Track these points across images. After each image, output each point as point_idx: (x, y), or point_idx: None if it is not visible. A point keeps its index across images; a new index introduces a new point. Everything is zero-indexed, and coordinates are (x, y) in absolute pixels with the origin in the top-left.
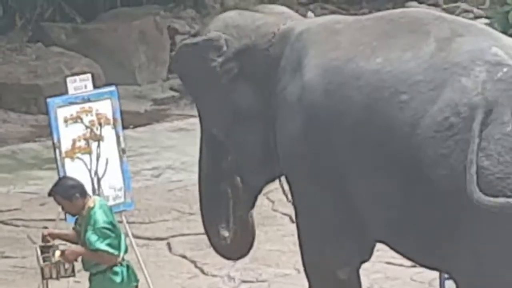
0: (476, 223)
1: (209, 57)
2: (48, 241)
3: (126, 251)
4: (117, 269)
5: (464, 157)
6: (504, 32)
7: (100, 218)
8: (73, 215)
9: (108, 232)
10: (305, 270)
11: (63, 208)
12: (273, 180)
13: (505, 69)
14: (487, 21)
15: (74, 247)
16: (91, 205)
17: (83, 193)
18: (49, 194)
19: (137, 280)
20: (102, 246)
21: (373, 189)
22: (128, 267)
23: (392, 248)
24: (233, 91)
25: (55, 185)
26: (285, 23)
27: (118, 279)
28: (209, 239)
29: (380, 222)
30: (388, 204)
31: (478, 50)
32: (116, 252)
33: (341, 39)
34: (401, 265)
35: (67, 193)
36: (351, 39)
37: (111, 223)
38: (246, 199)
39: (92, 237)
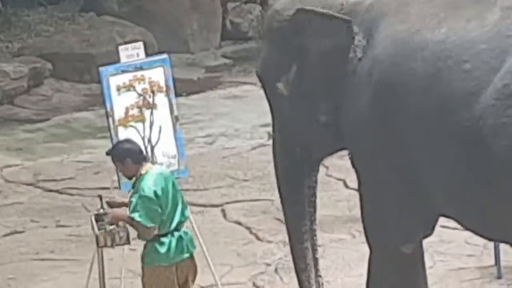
0: None
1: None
2: (103, 209)
3: (180, 221)
4: (164, 239)
5: None
6: None
7: (146, 186)
8: (129, 178)
9: (148, 202)
10: (368, 242)
11: (118, 170)
12: (336, 151)
13: None
14: None
15: (118, 211)
16: (143, 172)
17: (136, 159)
18: (107, 153)
19: (189, 251)
20: (137, 216)
21: (437, 161)
22: (180, 237)
23: (457, 221)
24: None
25: (113, 146)
26: None
27: (163, 249)
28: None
29: (444, 195)
30: (451, 175)
31: None
32: (149, 224)
33: (410, 10)
34: (455, 228)
35: (120, 156)
36: (419, 11)
37: (155, 193)
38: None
39: (132, 204)
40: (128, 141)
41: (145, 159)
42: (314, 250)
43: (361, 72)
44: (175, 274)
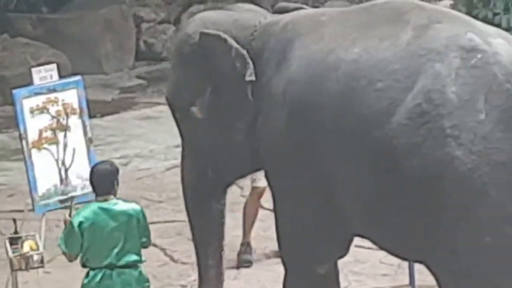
0: (450, 214)
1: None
2: (17, 232)
3: (111, 263)
4: (91, 272)
5: (436, 146)
6: (468, 12)
7: (77, 215)
8: None
9: (70, 230)
10: (283, 262)
11: None
12: (249, 174)
13: (479, 55)
14: (451, 2)
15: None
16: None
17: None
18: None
19: None
20: (60, 239)
21: (351, 181)
22: (110, 276)
23: (372, 241)
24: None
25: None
26: (266, 17)
27: (86, 281)
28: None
29: (359, 215)
30: (365, 195)
31: (454, 36)
32: (65, 250)
33: (324, 30)
34: (370, 248)
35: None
36: (333, 31)
37: (80, 224)
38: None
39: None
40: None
41: (108, 193)
42: (219, 269)
43: (276, 92)
44: None
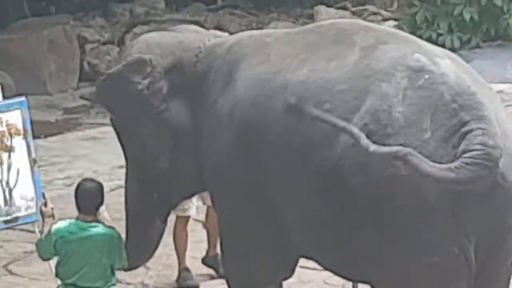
0: (396, 233)
1: (135, 81)
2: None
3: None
4: (60, 287)
5: (382, 166)
6: (413, 33)
7: (59, 224)
8: None
9: (48, 234)
10: (228, 284)
11: None
12: (195, 194)
13: (426, 76)
14: (395, 23)
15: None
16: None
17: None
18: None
19: None
20: (39, 240)
21: (297, 202)
22: None
23: (316, 261)
24: (166, 112)
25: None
26: (210, 38)
27: None
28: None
29: (304, 236)
30: (310, 215)
31: (401, 56)
32: (38, 250)
33: (271, 52)
34: (314, 268)
35: None
36: (280, 52)
37: (56, 231)
38: (164, 213)
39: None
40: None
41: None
42: None
43: (222, 114)
44: None
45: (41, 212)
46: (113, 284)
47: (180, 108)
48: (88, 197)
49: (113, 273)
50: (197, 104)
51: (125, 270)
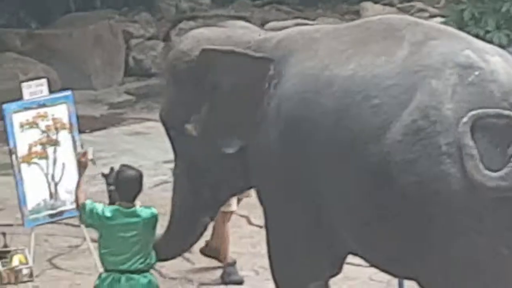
0: (443, 231)
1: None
2: (7, 246)
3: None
4: (103, 274)
5: (431, 163)
6: (460, 30)
7: (107, 206)
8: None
9: (96, 207)
10: (274, 280)
11: None
12: (245, 191)
13: (476, 73)
14: (442, 19)
15: (82, 192)
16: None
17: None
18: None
19: None
20: (86, 204)
21: (344, 198)
22: (118, 281)
23: (365, 260)
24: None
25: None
26: (259, 33)
27: (96, 281)
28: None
29: (350, 232)
30: (357, 211)
31: (450, 52)
32: (83, 218)
33: (319, 47)
34: (359, 265)
35: None
36: (328, 48)
37: (102, 211)
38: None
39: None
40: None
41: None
42: None
43: (269, 109)
44: None
45: (79, 162)
46: (154, 262)
47: (227, 106)
48: (130, 186)
49: (153, 251)
50: (245, 99)
51: (159, 260)
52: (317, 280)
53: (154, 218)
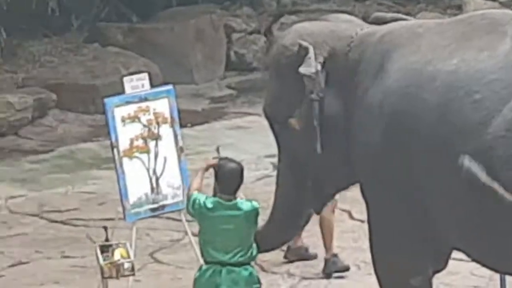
0: None
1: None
2: (108, 240)
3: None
4: (204, 266)
5: None
6: None
7: (209, 196)
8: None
9: (201, 197)
10: (376, 273)
11: None
12: (349, 186)
13: None
14: None
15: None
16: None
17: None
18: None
19: None
20: (193, 195)
21: (447, 194)
22: (219, 273)
23: (467, 255)
24: (321, 102)
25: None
26: (362, 28)
27: (197, 273)
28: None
29: (455, 228)
30: (461, 208)
31: None
32: (189, 204)
33: (422, 42)
34: (461, 259)
35: None
36: (430, 43)
37: (204, 203)
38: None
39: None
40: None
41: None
42: None
43: (372, 103)
44: None
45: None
46: (256, 255)
47: (332, 98)
48: (231, 179)
49: (254, 244)
50: (348, 94)
51: (260, 252)
52: (419, 275)
53: (255, 211)
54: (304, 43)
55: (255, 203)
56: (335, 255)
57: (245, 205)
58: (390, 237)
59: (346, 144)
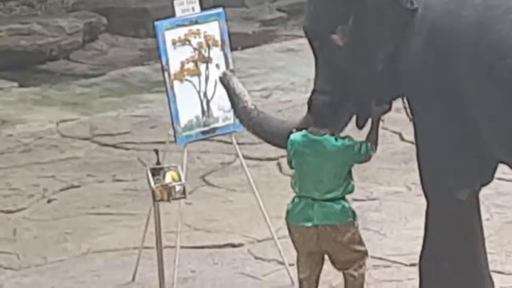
0: None
1: None
2: (159, 163)
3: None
4: (295, 199)
5: None
6: None
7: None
8: None
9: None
10: (423, 189)
11: None
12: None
13: None
14: None
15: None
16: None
17: None
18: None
19: (312, 221)
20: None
21: (490, 108)
22: (311, 206)
23: None
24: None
25: None
26: None
27: (290, 205)
28: None
29: (497, 139)
30: (504, 122)
31: None
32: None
33: None
34: (511, 180)
35: None
36: None
37: (293, 136)
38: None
39: None
40: None
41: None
42: None
43: (415, 18)
44: (314, 239)
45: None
46: (351, 190)
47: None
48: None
49: (351, 178)
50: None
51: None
52: (465, 187)
53: (347, 148)
54: None
55: (347, 141)
56: None
57: (332, 140)
58: (436, 149)
59: (390, 58)
